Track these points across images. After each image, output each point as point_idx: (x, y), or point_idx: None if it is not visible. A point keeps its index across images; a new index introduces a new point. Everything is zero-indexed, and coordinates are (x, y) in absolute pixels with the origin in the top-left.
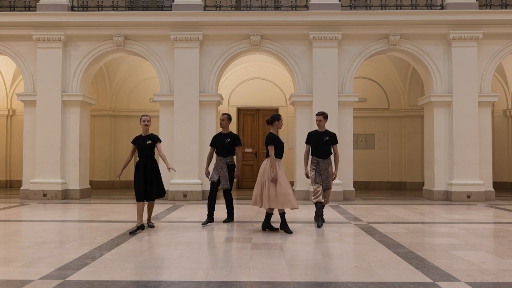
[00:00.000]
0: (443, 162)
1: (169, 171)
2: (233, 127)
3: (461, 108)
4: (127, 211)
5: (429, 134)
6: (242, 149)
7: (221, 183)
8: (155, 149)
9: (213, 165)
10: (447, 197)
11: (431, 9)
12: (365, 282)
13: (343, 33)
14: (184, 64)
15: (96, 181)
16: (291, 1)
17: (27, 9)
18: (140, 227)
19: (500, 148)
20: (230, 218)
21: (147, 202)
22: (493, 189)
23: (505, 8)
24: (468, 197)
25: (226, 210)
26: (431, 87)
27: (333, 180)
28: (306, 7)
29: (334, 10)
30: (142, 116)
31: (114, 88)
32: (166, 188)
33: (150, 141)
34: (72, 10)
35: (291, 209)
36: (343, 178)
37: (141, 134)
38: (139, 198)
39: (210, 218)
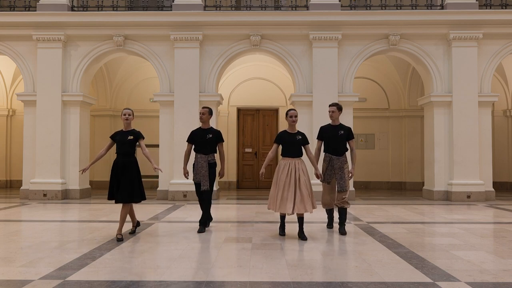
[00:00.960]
0: (443, 162)
1: (155, 171)
2: (233, 127)
3: (461, 108)
4: None
5: (429, 134)
6: (242, 149)
7: (202, 184)
8: (137, 148)
9: (193, 165)
10: (447, 197)
11: (431, 9)
12: (365, 282)
13: (343, 33)
14: (184, 64)
15: (96, 181)
16: (291, 1)
17: (27, 9)
18: (137, 225)
19: (500, 148)
20: (202, 226)
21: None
22: (493, 189)
23: (505, 8)
24: (468, 197)
25: (223, 211)
26: (431, 87)
27: (349, 178)
28: (306, 7)
29: (334, 10)
30: (124, 109)
31: (114, 88)
32: (165, 188)
33: (131, 137)
34: (72, 10)
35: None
36: None
37: (122, 129)
38: (112, 196)
39: (202, 222)
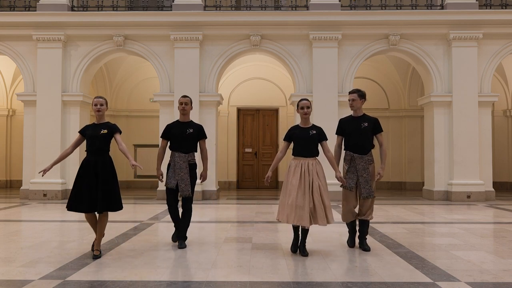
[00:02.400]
0: (443, 162)
1: (133, 168)
2: (233, 127)
3: (461, 108)
4: (127, 211)
5: (429, 134)
6: (242, 149)
7: (180, 189)
8: (114, 142)
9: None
10: (447, 197)
11: (431, 9)
12: (365, 282)
13: (343, 33)
14: (184, 64)
15: None
16: (291, 1)
17: (27, 9)
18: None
19: (500, 148)
20: (182, 239)
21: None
22: (493, 189)
23: (505, 8)
24: (468, 197)
25: (223, 211)
26: (431, 87)
27: (377, 180)
28: (306, 7)
29: (334, 10)
30: (94, 98)
31: (114, 88)
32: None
33: (105, 131)
34: (72, 10)
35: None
36: None
37: (94, 122)
38: (76, 206)
39: (178, 230)
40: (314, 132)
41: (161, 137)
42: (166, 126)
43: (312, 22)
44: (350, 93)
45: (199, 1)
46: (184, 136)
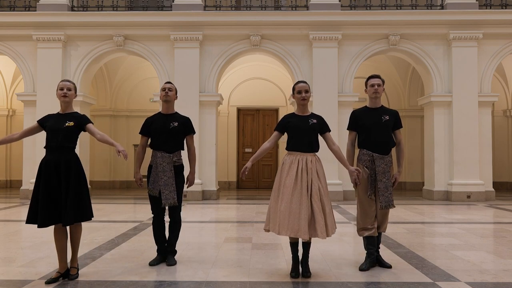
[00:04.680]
0: (443, 162)
1: (119, 155)
2: (233, 127)
3: (461, 108)
4: (127, 211)
5: (429, 134)
6: (242, 149)
7: (163, 197)
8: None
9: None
10: (447, 197)
11: (431, 9)
12: (365, 282)
13: (343, 33)
14: (184, 64)
15: (96, 181)
16: (291, 1)
17: (27, 9)
18: (64, 274)
19: (500, 148)
20: (171, 254)
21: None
22: (493, 189)
23: (505, 8)
24: (468, 197)
25: (223, 211)
26: (431, 87)
27: (394, 185)
28: (306, 7)
29: (334, 10)
30: (60, 82)
31: (114, 88)
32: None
33: (71, 123)
34: (72, 10)
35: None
36: (344, 178)
37: (58, 112)
38: (34, 218)
39: (160, 255)
40: (315, 121)
41: (140, 133)
42: (146, 120)
43: (312, 22)
44: (372, 77)
45: (199, 1)
46: (167, 131)
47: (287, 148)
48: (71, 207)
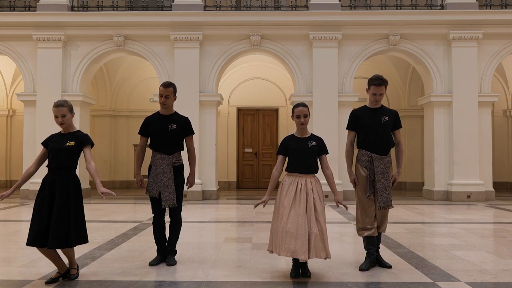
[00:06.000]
0: (443, 162)
1: (102, 197)
2: (233, 127)
3: (461, 108)
4: (127, 211)
5: (429, 134)
6: (242, 149)
7: (162, 198)
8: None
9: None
10: (447, 197)
11: (431, 9)
12: (365, 282)
13: (343, 33)
14: (184, 64)
15: None
16: (291, 1)
17: (27, 9)
18: (64, 274)
19: (500, 148)
20: (171, 253)
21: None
22: (493, 189)
23: (505, 8)
24: (468, 197)
25: (223, 211)
26: (431, 87)
27: (392, 185)
28: (306, 7)
29: (334, 10)
30: (54, 107)
31: (114, 88)
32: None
33: (71, 143)
34: (72, 10)
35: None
36: (344, 178)
37: (60, 132)
38: (31, 241)
39: (160, 255)
40: (314, 143)
41: (139, 133)
42: (145, 120)
43: (312, 22)
44: (375, 85)
45: (199, 1)
46: (166, 133)
47: (287, 170)
48: (55, 230)
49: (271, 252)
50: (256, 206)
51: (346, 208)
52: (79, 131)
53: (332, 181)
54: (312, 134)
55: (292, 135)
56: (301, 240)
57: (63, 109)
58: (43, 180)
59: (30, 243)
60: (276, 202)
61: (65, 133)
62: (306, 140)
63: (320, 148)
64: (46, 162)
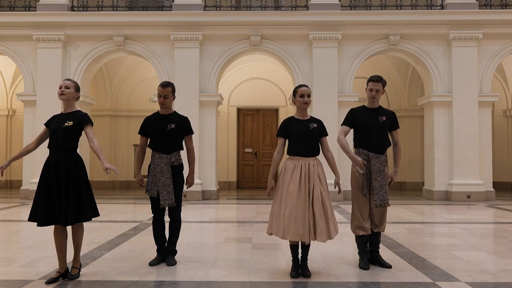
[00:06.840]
0: (443, 162)
1: (106, 172)
2: (233, 127)
3: (461, 108)
4: (127, 211)
5: (429, 134)
6: (242, 149)
7: (161, 198)
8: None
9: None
10: (447, 197)
11: (431, 9)
12: (365, 282)
13: (343, 33)
14: (184, 64)
15: (96, 181)
16: (291, 1)
17: (27, 9)
18: (64, 274)
19: (500, 148)
20: (171, 253)
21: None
22: (493, 189)
23: (505, 8)
24: (468, 197)
25: (223, 211)
26: (431, 87)
27: (389, 186)
28: (306, 7)
29: (334, 10)
30: (62, 81)
31: (114, 88)
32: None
33: (70, 123)
34: (72, 10)
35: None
36: (344, 178)
37: (61, 112)
38: (34, 217)
39: (160, 255)
40: (315, 125)
41: (139, 133)
42: (144, 120)
43: (312, 22)
44: (372, 80)
45: (199, 1)
46: (164, 133)
47: (288, 153)
48: (69, 208)
49: (270, 234)
50: (269, 194)
51: (340, 191)
52: (79, 110)
53: (333, 164)
54: (312, 116)
55: (292, 117)
56: (306, 225)
57: (68, 82)
58: (46, 161)
59: (41, 222)
60: (278, 185)
61: (65, 113)
62: (307, 122)
63: (320, 130)
64: (47, 143)
